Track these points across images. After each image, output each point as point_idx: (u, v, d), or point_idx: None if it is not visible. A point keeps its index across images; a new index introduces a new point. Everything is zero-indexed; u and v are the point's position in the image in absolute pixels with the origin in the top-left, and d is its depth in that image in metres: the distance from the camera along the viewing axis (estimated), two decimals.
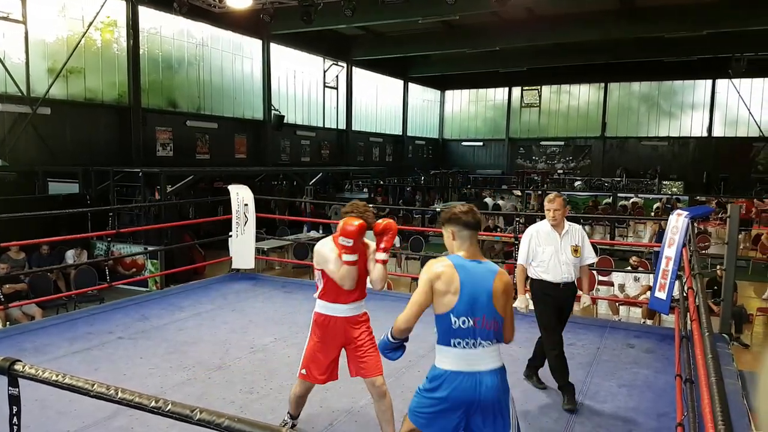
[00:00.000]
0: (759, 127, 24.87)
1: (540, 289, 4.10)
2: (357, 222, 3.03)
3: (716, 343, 4.90)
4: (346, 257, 3.06)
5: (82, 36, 12.87)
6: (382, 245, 3.18)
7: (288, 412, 3.50)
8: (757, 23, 16.32)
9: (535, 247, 4.09)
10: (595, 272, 8.58)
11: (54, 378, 1.60)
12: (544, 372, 4.21)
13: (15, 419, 1.75)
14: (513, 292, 2.50)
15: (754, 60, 20.60)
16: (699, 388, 3.45)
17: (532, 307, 4.22)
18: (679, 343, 4.22)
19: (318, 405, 3.81)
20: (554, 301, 4.05)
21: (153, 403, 1.31)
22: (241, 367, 4.54)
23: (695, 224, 5.38)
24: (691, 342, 3.56)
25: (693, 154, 26.74)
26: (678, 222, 5.10)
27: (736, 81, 24.20)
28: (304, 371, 3.29)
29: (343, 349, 3.31)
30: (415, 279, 10.32)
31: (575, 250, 4.05)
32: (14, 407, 1.75)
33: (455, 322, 2.37)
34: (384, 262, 3.21)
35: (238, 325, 5.63)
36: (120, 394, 1.41)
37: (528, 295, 4.24)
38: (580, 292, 4.30)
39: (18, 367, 1.70)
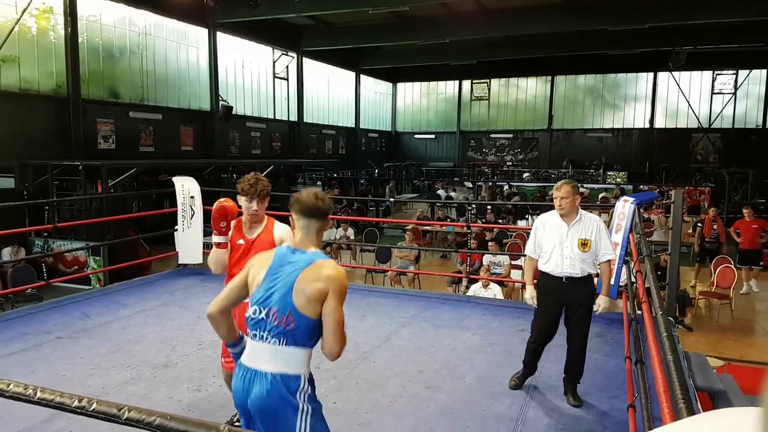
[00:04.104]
0: (698, 119, 25.93)
1: (541, 280, 3.85)
2: (224, 202, 2.95)
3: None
4: (214, 238, 2.94)
5: (16, 23, 12.22)
6: (221, 226, 3.05)
7: None
8: (696, 17, 16.98)
9: (541, 237, 3.82)
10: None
11: None
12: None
13: None
14: (334, 290, 2.02)
15: (693, 53, 21.43)
16: (651, 368, 3.51)
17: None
18: (627, 327, 4.31)
19: None
20: (554, 295, 3.75)
21: (76, 403, 1.17)
22: (189, 364, 4.37)
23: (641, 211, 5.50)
24: (640, 324, 3.62)
25: (636, 145, 27.66)
26: (624, 208, 5.21)
27: (676, 74, 25.12)
28: (222, 360, 3.28)
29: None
30: (370, 270, 10.34)
31: (583, 244, 3.66)
32: None
33: (250, 310, 2.08)
34: (218, 245, 3.03)
35: (185, 321, 5.43)
36: (39, 394, 1.27)
37: (534, 287, 3.98)
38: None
39: None
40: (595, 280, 3.87)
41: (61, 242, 10.38)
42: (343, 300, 2.05)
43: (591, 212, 3.93)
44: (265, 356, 2.02)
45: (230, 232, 3.11)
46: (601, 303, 3.77)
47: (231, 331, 2.19)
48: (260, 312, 2.04)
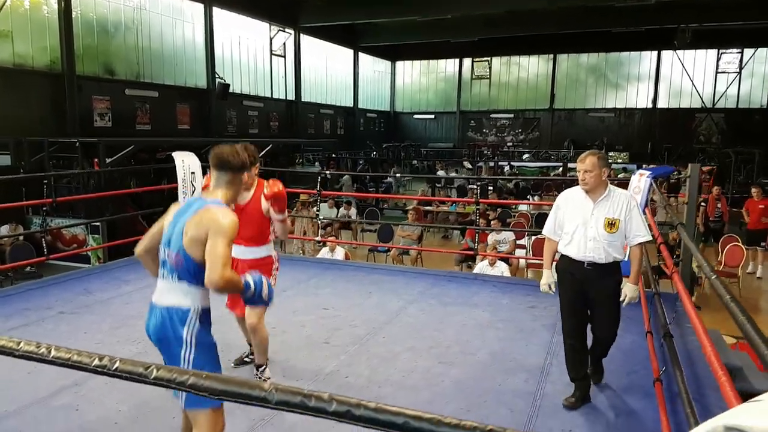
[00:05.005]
0: (701, 98, 25.67)
1: (561, 265, 3.38)
2: (283, 189, 3.34)
3: (675, 303, 4.95)
4: (281, 215, 3.42)
5: None
6: (277, 209, 3.36)
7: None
8: None
9: (562, 216, 3.36)
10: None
11: None
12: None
13: None
14: (213, 229, 2.13)
15: (699, 31, 21.07)
16: (684, 340, 3.38)
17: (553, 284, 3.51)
18: (645, 301, 4.20)
19: (281, 374, 3.61)
20: (576, 283, 3.30)
21: (96, 362, 1.05)
22: None
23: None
24: (665, 297, 3.51)
25: (638, 125, 27.44)
26: (640, 182, 5.08)
27: (680, 53, 24.82)
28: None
29: None
30: (373, 249, 10.23)
31: (610, 224, 3.18)
32: None
33: (159, 252, 2.33)
34: (282, 222, 3.41)
35: None
36: (54, 353, 1.16)
37: (551, 272, 3.51)
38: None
39: None
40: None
41: (59, 220, 10.24)
42: (225, 238, 2.12)
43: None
44: (163, 292, 2.25)
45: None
46: (627, 292, 3.30)
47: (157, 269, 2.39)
48: (164, 253, 2.27)
